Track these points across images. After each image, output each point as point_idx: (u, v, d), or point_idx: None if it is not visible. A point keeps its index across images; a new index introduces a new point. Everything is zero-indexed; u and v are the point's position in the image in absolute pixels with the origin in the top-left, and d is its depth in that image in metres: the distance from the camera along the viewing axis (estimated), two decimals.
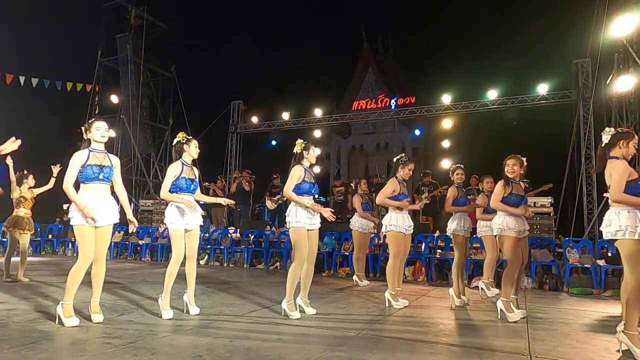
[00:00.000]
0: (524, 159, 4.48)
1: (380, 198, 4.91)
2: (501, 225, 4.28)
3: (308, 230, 4.20)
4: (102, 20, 14.73)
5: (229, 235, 9.69)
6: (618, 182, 3.10)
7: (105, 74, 14.69)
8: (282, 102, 15.54)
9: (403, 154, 5.12)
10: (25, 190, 6.16)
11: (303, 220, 4.14)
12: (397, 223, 4.82)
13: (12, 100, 12.21)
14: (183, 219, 4.01)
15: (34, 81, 12.49)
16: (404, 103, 14.89)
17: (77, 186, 3.66)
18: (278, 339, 3.29)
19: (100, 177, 3.63)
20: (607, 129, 3.36)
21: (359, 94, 18.64)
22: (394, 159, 5.10)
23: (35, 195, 6.27)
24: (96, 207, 3.57)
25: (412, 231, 4.99)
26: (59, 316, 3.51)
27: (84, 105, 13.75)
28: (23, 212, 6.15)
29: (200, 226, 4.24)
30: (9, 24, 12.91)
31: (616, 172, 3.14)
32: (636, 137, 3.30)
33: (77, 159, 3.61)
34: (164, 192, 4.04)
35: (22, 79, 12.31)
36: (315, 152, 4.37)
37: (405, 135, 17.58)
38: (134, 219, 4.01)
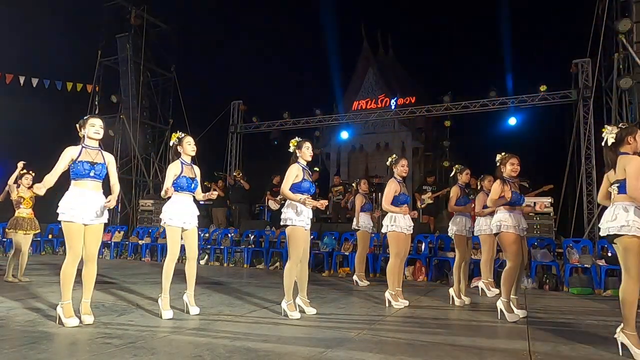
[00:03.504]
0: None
1: (385, 205, 4.89)
2: (499, 222, 4.28)
3: (305, 229, 4.21)
4: (102, 20, 14.72)
5: (229, 235, 9.69)
6: (635, 178, 3.02)
7: (105, 74, 14.67)
8: (282, 102, 15.55)
9: (394, 155, 5.15)
10: (24, 190, 6.15)
11: (305, 220, 4.17)
12: (399, 223, 4.83)
13: (12, 100, 12.20)
14: (181, 218, 4.01)
15: (34, 81, 12.47)
16: (404, 103, 14.89)
17: (67, 183, 3.64)
18: (278, 339, 3.29)
19: (92, 174, 3.60)
20: (607, 127, 3.33)
21: (359, 94, 18.62)
22: (387, 163, 5.12)
23: (34, 195, 6.24)
24: (86, 204, 3.56)
25: (412, 231, 5.01)
26: (59, 317, 3.50)
27: (84, 105, 13.73)
28: (24, 212, 6.14)
29: (198, 227, 4.24)
30: (9, 24, 12.90)
31: (631, 168, 3.06)
32: (638, 130, 3.28)
33: (68, 154, 3.60)
34: (165, 193, 4.03)
35: (22, 79, 12.29)
36: (309, 149, 4.34)
37: (405, 135, 17.57)
38: (112, 202, 3.65)
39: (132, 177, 14.13)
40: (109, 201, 3.65)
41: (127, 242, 10.45)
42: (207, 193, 4.34)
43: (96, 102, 14.18)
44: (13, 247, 6.18)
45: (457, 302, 4.97)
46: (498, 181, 4.36)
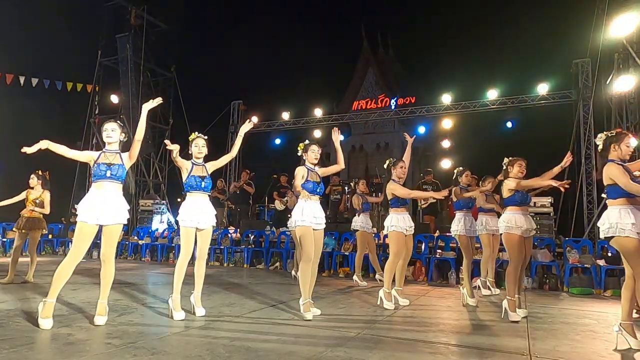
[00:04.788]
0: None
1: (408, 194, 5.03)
2: (508, 222, 4.33)
3: (314, 229, 4.23)
4: (102, 20, 14.74)
5: (229, 235, 9.69)
6: (622, 177, 3.19)
7: (105, 74, 14.68)
8: (282, 102, 15.58)
9: (391, 158, 5.18)
10: (31, 192, 6.17)
11: (309, 219, 4.18)
12: (398, 224, 4.88)
13: (12, 100, 12.21)
14: (195, 218, 4.02)
15: (34, 81, 12.48)
16: (404, 103, 14.90)
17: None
18: (278, 339, 3.29)
19: (108, 174, 3.63)
20: (599, 135, 3.47)
21: (359, 94, 18.65)
22: (384, 166, 5.16)
23: (36, 198, 6.20)
24: (103, 205, 3.58)
25: (412, 232, 5.02)
26: (38, 313, 3.41)
27: (84, 105, 13.75)
28: (26, 212, 6.18)
29: (213, 226, 4.24)
30: (9, 24, 12.90)
31: (614, 173, 3.26)
32: (629, 136, 3.36)
33: (89, 152, 3.74)
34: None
35: (22, 79, 12.30)
36: (315, 152, 4.38)
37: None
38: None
39: (132, 177, 14.14)
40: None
41: (127, 242, 10.45)
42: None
43: (96, 102, 14.18)
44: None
45: (470, 301, 4.95)
46: (513, 180, 4.39)
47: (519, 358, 3.01)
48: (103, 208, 3.57)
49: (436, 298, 5.58)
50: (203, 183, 4.10)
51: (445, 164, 13.84)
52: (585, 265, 6.63)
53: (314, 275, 4.30)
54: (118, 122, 3.86)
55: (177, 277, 3.99)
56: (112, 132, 3.75)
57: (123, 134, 3.82)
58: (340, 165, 4.52)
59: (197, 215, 4.03)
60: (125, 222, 3.75)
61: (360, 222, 6.78)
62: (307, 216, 4.18)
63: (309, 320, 3.99)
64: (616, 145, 3.34)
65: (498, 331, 3.85)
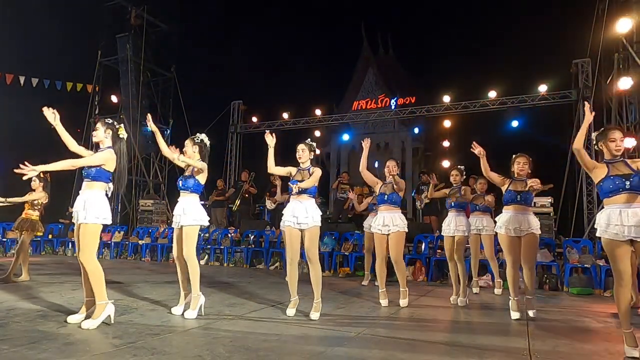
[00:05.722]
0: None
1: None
2: (497, 221, 4.40)
3: (300, 229, 4.18)
4: (102, 20, 14.73)
5: (229, 235, 9.69)
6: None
7: (105, 74, 14.66)
8: (282, 102, 15.54)
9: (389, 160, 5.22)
10: (34, 194, 6.18)
11: (287, 219, 4.22)
12: (370, 223, 5.07)
13: (12, 100, 12.19)
14: (173, 218, 4.25)
15: (34, 81, 12.48)
16: (404, 103, 14.88)
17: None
18: (278, 339, 3.29)
19: (84, 173, 3.69)
20: (592, 135, 3.49)
21: (359, 94, 18.61)
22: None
23: (32, 200, 6.17)
24: (76, 203, 3.65)
25: (394, 230, 4.81)
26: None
27: (84, 105, 13.74)
28: (24, 213, 6.18)
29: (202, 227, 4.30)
30: (9, 24, 12.89)
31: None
32: (612, 130, 3.32)
33: (87, 151, 3.85)
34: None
35: (22, 79, 12.30)
36: (298, 151, 4.39)
37: (405, 135, 17.57)
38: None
39: (132, 177, 14.13)
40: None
41: (127, 242, 10.45)
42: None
43: (96, 102, 14.18)
44: None
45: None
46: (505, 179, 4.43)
47: (519, 358, 3.01)
48: (76, 206, 3.63)
49: (436, 298, 5.57)
50: (180, 182, 4.26)
51: (445, 164, 13.83)
52: (585, 265, 6.62)
53: (316, 275, 4.18)
54: (105, 120, 3.87)
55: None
56: (95, 131, 3.82)
57: (109, 131, 3.76)
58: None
59: (174, 215, 4.21)
60: (95, 222, 3.54)
61: (367, 222, 6.79)
62: (286, 216, 4.24)
63: (290, 316, 4.06)
64: (602, 143, 3.30)
65: (498, 331, 3.85)
